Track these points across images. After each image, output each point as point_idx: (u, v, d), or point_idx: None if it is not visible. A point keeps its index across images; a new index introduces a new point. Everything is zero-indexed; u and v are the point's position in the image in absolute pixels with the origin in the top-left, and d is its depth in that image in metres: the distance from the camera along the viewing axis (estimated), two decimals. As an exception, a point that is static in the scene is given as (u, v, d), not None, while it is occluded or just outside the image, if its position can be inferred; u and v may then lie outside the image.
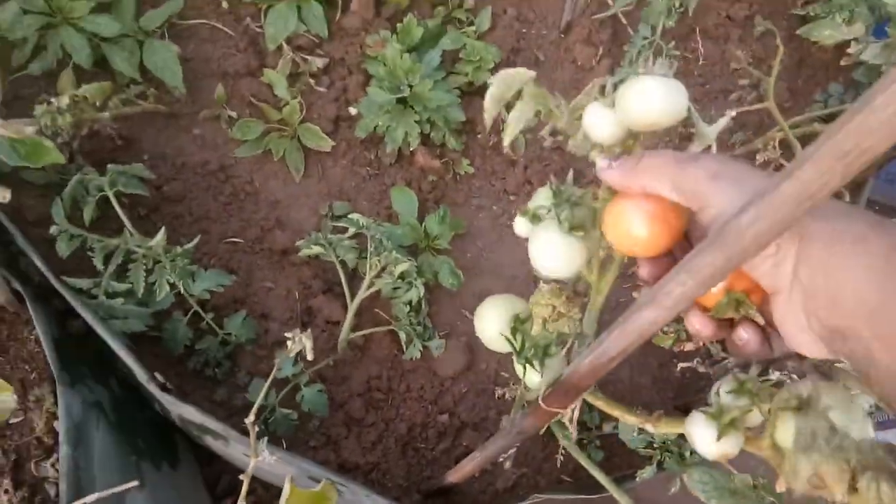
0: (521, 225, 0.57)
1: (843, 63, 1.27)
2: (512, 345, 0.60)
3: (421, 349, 1.20)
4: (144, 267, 0.97)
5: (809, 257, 0.36)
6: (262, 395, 0.78)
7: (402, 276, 1.16)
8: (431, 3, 1.45)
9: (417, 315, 1.22)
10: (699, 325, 0.44)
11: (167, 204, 1.28)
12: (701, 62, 1.48)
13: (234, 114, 1.35)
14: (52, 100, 1.09)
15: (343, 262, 1.20)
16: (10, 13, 1.23)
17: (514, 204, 1.38)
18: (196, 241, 1.06)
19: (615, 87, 0.47)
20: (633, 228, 0.45)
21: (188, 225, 1.26)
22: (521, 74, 0.48)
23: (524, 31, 1.44)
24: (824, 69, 1.49)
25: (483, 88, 1.35)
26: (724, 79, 1.49)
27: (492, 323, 0.62)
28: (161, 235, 0.97)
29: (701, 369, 1.18)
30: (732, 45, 1.49)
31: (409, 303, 1.19)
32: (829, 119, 1.29)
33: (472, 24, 1.43)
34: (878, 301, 0.31)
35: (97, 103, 1.15)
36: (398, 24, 1.37)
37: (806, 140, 1.32)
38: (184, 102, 1.34)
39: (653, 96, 0.45)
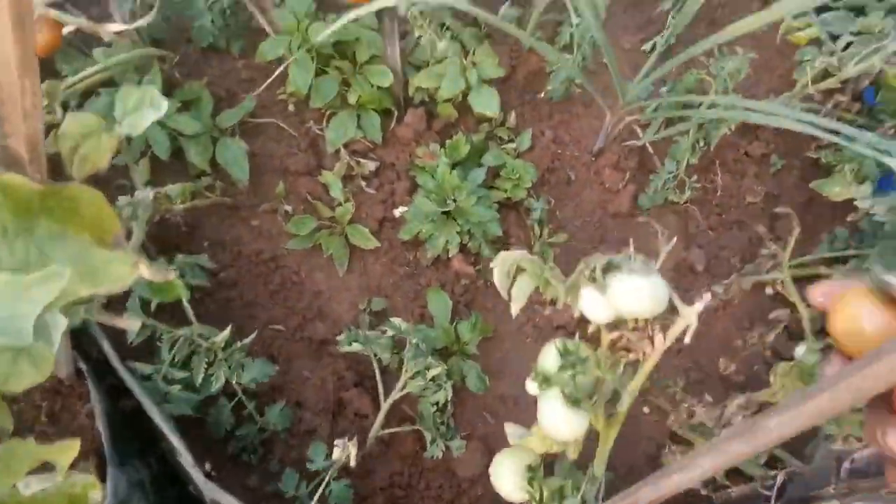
0: (531, 386, 0.66)
1: (849, 219, 1.39)
2: (532, 497, 0.68)
3: (443, 449, 1.27)
4: (206, 360, 1.06)
5: None
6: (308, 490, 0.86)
7: (433, 379, 1.24)
8: (477, 119, 1.59)
9: (442, 415, 1.29)
10: None
11: (222, 289, 1.38)
12: (719, 193, 1.60)
13: (290, 208, 1.47)
14: (137, 193, 1.21)
15: (378, 359, 1.28)
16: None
17: (537, 313, 1.47)
18: (253, 336, 1.15)
19: (604, 272, 0.57)
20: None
21: (238, 309, 1.36)
22: (516, 255, 0.59)
23: (559, 151, 1.57)
24: (832, 210, 1.60)
25: (519, 204, 1.48)
26: (739, 210, 1.60)
27: (508, 479, 0.71)
28: (227, 333, 1.07)
29: (703, 492, 1.25)
30: (749, 180, 1.61)
31: (437, 403, 1.27)
32: (832, 262, 1.39)
33: (511, 141, 1.57)
34: None
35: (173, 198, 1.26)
36: (447, 140, 1.51)
37: (810, 280, 1.42)
38: (246, 195, 1.46)
39: (642, 296, 0.55)
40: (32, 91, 0.58)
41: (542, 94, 1.61)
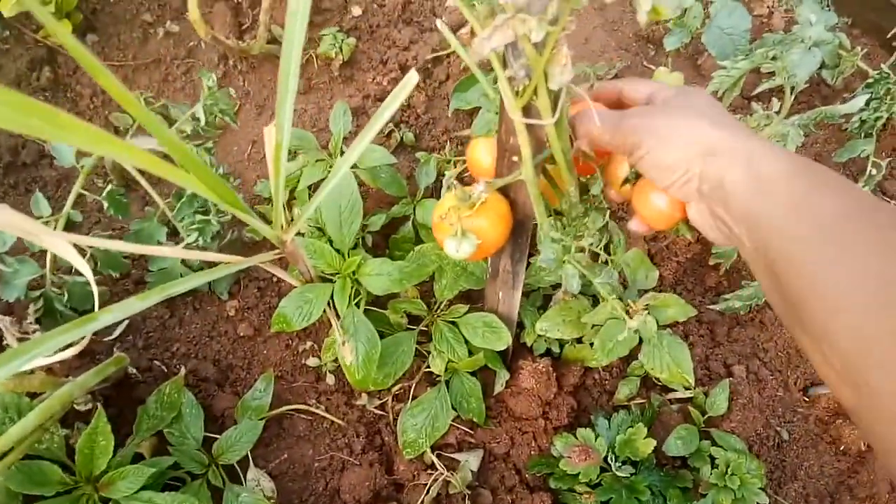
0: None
1: None
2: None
3: None
4: None
5: (709, 176, 0.45)
6: None
7: None
8: (623, 360, 1.01)
9: None
10: (636, 227, 0.60)
11: None
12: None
13: (356, 580, 0.85)
14: None
15: None
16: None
17: None
18: None
19: None
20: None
21: None
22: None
23: (755, 396, 1.01)
24: None
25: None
26: None
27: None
28: None
29: None
30: None
31: None
32: None
33: (687, 390, 0.99)
34: (751, 208, 0.42)
35: None
36: (607, 420, 0.92)
37: None
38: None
39: None
40: None
41: (714, 304, 1.06)
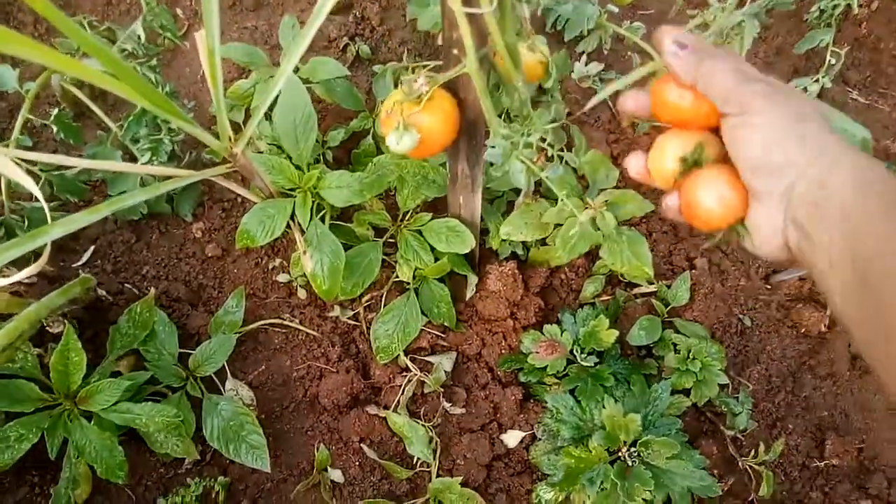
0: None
1: None
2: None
3: None
4: None
5: (812, 175, 0.41)
6: None
7: None
8: (589, 260, 1.04)
9: None
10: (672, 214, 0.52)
11: None
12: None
13: (340, 476, 0.89)
14: None
15: None
16: None
17: None
18: None
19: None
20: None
21: None
22: None
23: (718, 286, 1.04)
24: None
25: (708, 406, 0.95)
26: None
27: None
28: None
29: None
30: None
31: None
32: None
33: (651, 283, 1.02)
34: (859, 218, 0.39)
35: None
36: (573, 315, 0.95)
37: None
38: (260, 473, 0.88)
39: None
40: None
41: (678, 200, 1.07)
